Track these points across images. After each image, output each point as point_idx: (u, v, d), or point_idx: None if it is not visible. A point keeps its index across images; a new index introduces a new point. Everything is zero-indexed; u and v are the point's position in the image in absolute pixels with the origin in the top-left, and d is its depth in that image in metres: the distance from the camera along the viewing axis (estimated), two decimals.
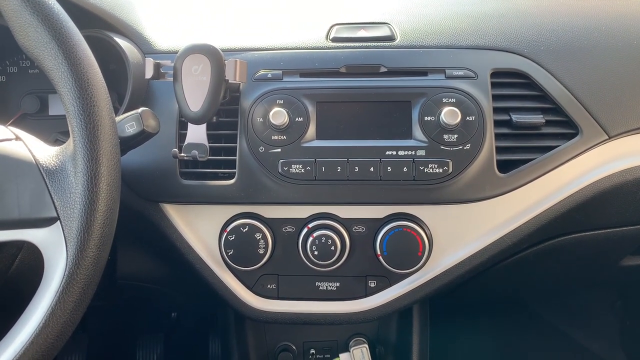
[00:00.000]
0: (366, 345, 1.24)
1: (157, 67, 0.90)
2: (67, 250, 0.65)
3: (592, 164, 0.95)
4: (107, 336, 1.66)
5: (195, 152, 0.91)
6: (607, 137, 0.94)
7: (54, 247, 0.66)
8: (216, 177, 0.95)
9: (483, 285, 1.21)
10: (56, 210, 0.66)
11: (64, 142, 0.71)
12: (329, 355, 1.26)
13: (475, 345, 1.69)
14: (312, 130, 0.92)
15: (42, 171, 0.68)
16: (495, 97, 0.93)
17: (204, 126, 0.91)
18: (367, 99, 0.93)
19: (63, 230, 0.66)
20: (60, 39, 0.66)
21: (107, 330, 1.66)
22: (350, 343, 1.27)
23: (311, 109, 0.92)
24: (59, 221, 0.66)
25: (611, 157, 0.95)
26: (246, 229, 0.94)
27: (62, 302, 0.64)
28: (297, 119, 0.92)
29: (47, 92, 1.12)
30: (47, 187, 0.67)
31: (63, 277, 0.64)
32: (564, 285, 1.47)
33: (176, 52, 0.89)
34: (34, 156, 0.69)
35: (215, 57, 0.87)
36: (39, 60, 0.67)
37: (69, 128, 0.67)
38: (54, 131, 1.09)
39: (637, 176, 0.96)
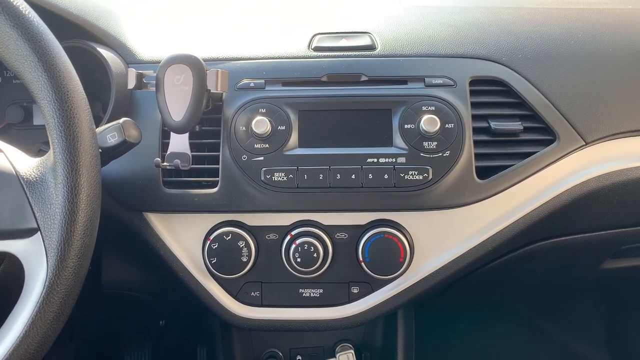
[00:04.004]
0: (352, 351, 1.25)
1: (139, 77, 0.91)
2: (47, 261, 0.65)
3: (569, 169, 0.96)
4: (94, 345, 1.66)
5: (177, 162, 0.91)
6: (583, 143, 0.96)
7: (35, 257, 0.66)
8: (199, 185, 0.96)
9: (467, 289, 1.22)
10: (36, 222, 0.67)
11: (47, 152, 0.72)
12: None
13: (461, 347, 1.70)
14: (294, 138, 0.93)
15: (22, 182, 0.68)
16: (474, 105, 0.95)
17: (186, 135, 0.92)
18: (348, 107, 0.94)
19: (43, 241, 0.66)
20: (40, 51, 0.67)
21: (94, 338, 1.66)
22: (337, 349, 1.27)
23: (293, 118, 0.93)
24: (39, 232, 0.67)
25: (588, 163, 0.97)
26: (229, 237, 0.95)
27: (43, 313, 0.64)
28: (279, 127, 0.93)
29: (32, 102, 1.12)
30: (28, 199, 0.67)
31: (43, 288, 0.65)
32: (547, 288, 1.49)
33: (159, 62, 0.90)
34: (14, 167, 0.69)
35: (197, 67, 0.88)
36: (19, 72, 0.68)
37: (49, 140, 0.68)
38: (38, 141, 1.09)
39: (613, 181, 0.97)
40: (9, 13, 0.67)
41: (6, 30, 0.67)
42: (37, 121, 1.13)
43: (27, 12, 0.68)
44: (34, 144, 1.08)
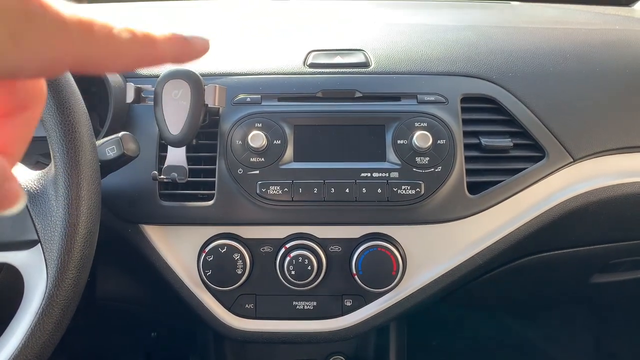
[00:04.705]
0: None
1: (138, 91, 0.92)
2: (47, 272, 0.66)
3: (558, 185, 0.98)
4: (86, 356, 1.65)
5: (174, 175, 0.93)
6: (572, 160, 0.98)
7: (34, 269, 0.67)
8: (195, 198, 0.97)
9: (458, 302, 1.24)
10: (37, 233, 0.68)
11: (45, 164, 0.73)
12: None
13: None
14: (289, 152, 0.95)
15: None
16: (465, 122, 0.97)
17: (183, 149, 0.94)
18: (342, 122, 0.96)
19: (44, 253, 0.67)
20: None
21: (86, 350, 1.65)
22: None
23: (289, 132, 0.95)
24: (39, 244, 0.68)
25: (576, 179, 0.99)
26: (224, 250, 0.96)
27: (42, 323, 0.65)
28: (275, 141, 0.94)
29: None
30: (29, 211, 0.68)
31: (43, 299, 0.65)
32: (537, 302, 1.51)
33: (157, 77, 0.91)
34: None
35: (195, 82, 0.90)
36: None
37: (51, 153, 0.69)
38: (36, 153, 1.10)
39: (600, 197, 0.99)
40: None
41: None
42: (34, 133, 1.13)
43: None
44: (32, 155, 1.09)
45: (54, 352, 0.70)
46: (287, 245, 0.97)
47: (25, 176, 0.72)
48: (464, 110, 0.97)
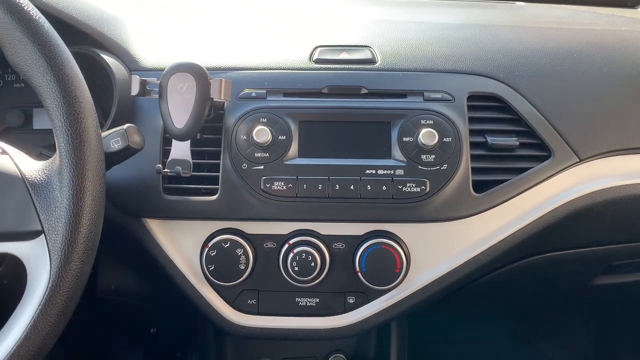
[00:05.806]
0: None
1: (143, 84, 0.92)
2: (50, 263, 0.66)
3: (563, 185, 0.98)
4: (84, 351, 1.65)
5: (178, 168, 0.92)
6: (578, 160, 0.98)
7: (38, 260, 0.67)
8: (199, 192, 0.97)
9: (460, 302, 1.23)
10: (41, 224, 0.67)
11: (48, 156, 0.73)
12: None
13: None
14: (294, 148, 0.94)
15: (27, 185, 0.69)
16: (472, 120, 0.96)
17: (187, 143, 0.93)
18: (348, 119, 0.96)
19: (47, 244, 0.67)
20: (49, 56, 0.68)
21: (84, 345, 1.65)
22: (330, 359, 1.28)
23: (294, 128, 0.95)
24: (43, 234, 0.67)
25: (582, 179, 0.99)
26: (227, 245, 0.95)
27: (45, 315, 0.65)
28: (279, 137, 0.94)
29: (32, 106, 1.13)
30: (33, 201, 0.68)
31: (46, 290, 0.65)
32: (539, 303, 1.50)
33: (162, 70, 0.91)
34: (20, 170, 0.70)
35: (200, 75, 0.89)
36: (28, 76, 0.69)
37: (56, 143, 0.68)
38: (38, 145, 1.09)
39: (606, 198, 0.99)
40: (21, 18, 0.68)
41: (16, 35, 0.68)
42: (37, 125, 1.13)
43: (37, 18, 0.69)
44: (34, 148, 1.09)
45: (52, 346, 0.69)
46: (291, 242, 0.96)
47: (30, 166, 0.71)
48: (470, 108, 0.97)
